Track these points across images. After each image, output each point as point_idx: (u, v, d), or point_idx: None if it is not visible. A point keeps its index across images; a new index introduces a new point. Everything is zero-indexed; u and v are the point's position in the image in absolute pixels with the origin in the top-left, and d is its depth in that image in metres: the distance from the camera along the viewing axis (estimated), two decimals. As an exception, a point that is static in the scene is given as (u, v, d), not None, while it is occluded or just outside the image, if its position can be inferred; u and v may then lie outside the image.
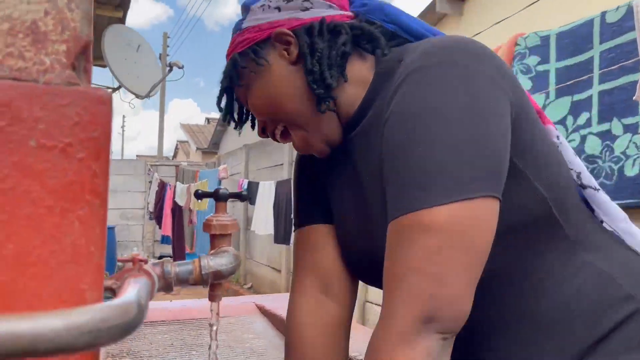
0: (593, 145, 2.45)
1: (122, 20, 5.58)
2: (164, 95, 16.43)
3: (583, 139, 2.51)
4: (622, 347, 0.69)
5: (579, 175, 0.80)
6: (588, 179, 0.80)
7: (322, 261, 0.89)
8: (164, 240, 8.02)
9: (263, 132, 0.85)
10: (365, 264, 0.83)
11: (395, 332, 0.61)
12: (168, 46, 16.80)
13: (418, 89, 0.66)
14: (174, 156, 23.24)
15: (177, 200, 7.04)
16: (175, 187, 7.30)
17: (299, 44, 0.77)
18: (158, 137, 16.17)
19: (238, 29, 0.82)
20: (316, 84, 0.76)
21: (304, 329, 0.88)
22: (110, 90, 5.50)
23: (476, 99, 0.64)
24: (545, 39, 2.81)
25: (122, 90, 5.38)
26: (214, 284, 0.68)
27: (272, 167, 6.75)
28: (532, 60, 2.84)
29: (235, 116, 0.89)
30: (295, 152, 5.81)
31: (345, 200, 0.85)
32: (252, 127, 0.90)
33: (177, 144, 23.89)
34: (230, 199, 0.63)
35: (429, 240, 0.61)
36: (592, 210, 0.81)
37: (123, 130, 34.45)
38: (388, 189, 0.67)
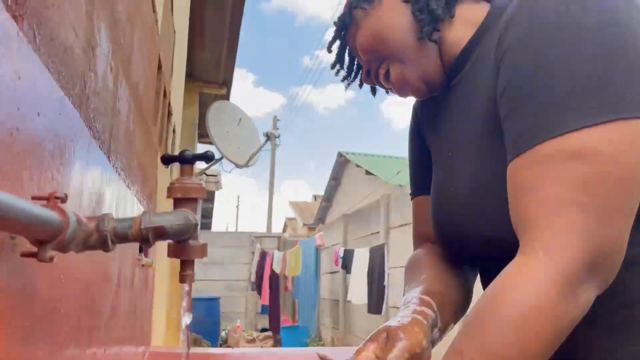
0: None
1: (226, 97, 6.00)
2: (273, 175, 17.20)
3: None
4: None
5: None
6: None
7: (429, 225, 0.88)
8: (264, 310, 8.03)
9: (368, 76, 0.85)
10: (450, 240, 0.81)
11: (563, 281, 0.52)
12: (277, 128, 17.77)
13: (540, 9, 0.59)
14: (283, 232, 23.86)
15: (274, 267, 7.10)
16: (273, 254, 7.40)
17: None
18: (267, 214, 16.77)
19: None
20: (420, 11, 0.76)
21: (425, 258, 0.87)
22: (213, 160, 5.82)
23: (615, 11, 0.55)
24: None
25: (223, 160, 5.68)
26: (185, 263, 0.62)
27: (368, 235, 6.64)
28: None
29: (345, 69, 0.92)
30: (391, 219, 5.70)
31: (440, 161, 0.84)
32: (360, 85, 0.92)
33: (285, 221, 24.56)
34: (196, 161, 0.58)
35: (581, 169, 0.52)
36: None
37: (237, 209, 36.21)
38: (510, 121, 0.60)
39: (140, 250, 1.48)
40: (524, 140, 0.57)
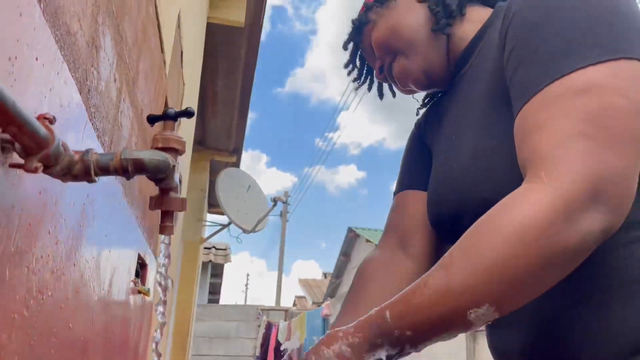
0: None
1: (236, 164, 6.13)
2: (283, 243, 17.10)
3: None
4: None
5: None
6: None
7: (403, 219, 0.93)
8: (269, 385, 7.73)
9: (381, 72, 0.92)
10: (447, 214, 0.81)
11: (562, 202, 0.52)
12: (289, 204, 17.88)
13: None
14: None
15: (279, 338, 6.92)
16: (279, 325, 7.24)
17: None
18: (276, 289, 16.51)
19: None
20: (436, 5, 0.84)
21: (371, 273, 0.90)
22: (221, 226, 5.87)
23: None
24: None
25: (231, 226, 5.72)
26: (165, 214, 0.66)
27: (377, 306, 6.50)
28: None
29: (356, 72, 1.01)
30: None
31: (441, 149, 0.87)
32: (369, 88, 1.01)
33: (294, 300, 24.10)
34: (178, 117, 0.63)
35: (589, 102, 0.54)
36: None
37: (247, 288, 35.64)
38: (517, 74, 0.63)
39: (137, 275, 1.50)
40: (533, 85, 0.59)
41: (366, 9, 0.92)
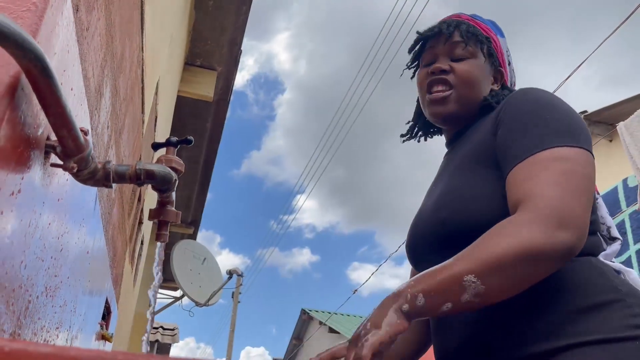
0: None
1: (193, 236, 6.14)
2: (232, 341, 16.53)
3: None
4: (610, 327, 0.74)
5: (608, 229, 0.97)
6: (615, 232, 0.97)
7: None
8: None
9: (441, 73, 1.05)
10: (420, 243, 0.97)
11: (543, 220, 0.73)
12: (241, 284, 17.52)
13: (526, 93, 0.92)
14: (239, 400, 22.05)
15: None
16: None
17: (500, 86, 1.10)
18: (223, 376, 15.73)
19: (484, 21, 1.11)
20: (493, 99, 1.04)
21: None
22: (173, 299, 5.77)
23: (570, 110, 0.89)
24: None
25: (183, 300, 5.64)
26: (161, 224, 0.78)
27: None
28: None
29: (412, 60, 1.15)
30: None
31: (427, 193, 1.06)
32: (412, 77, 1.15)
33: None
34: (179, 145, 0.77)
35: (563, 165, 0.79)
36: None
37: (191, 374, 33.70)
38: (514, 144, 0.85)
39: (103, 317, 1.55)
40: (526, 152, 0.83)
41: (458, 26, 1.07)
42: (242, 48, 3.78)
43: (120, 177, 0.69)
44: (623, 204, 2.60)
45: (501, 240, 0.73)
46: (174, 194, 0.75)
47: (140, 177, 0.69)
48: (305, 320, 14.46)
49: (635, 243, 2.47)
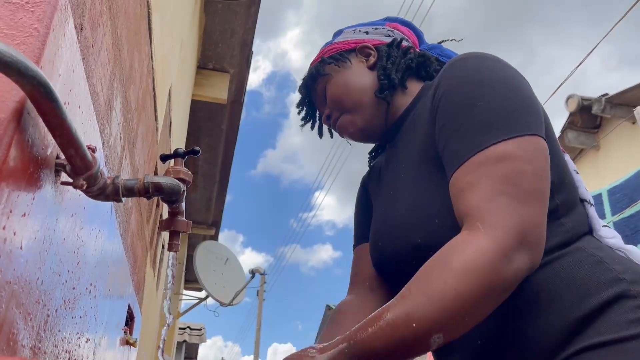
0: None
1: (215, 237, 6.20)
2: (259, 339, 16.69)
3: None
4: (612, 327, 0.69)
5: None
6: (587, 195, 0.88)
7: (367, 268, 1.04)
8: None
9: (328, 119, 1.06)
10: (387, 261, 0.93)
11: (499, 247, 0.66)
12: (266, 274, 17.67)
13: (463, 68, 0.83)
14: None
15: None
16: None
17: (378, 54, 1.03)
18: (251, 372, 15.84)
19: (328, 44, 1.09)
20: (384, 77, 1.00)
21: (345, 311, 1.01)
22: (198, 300, 5.84)
23: (515, 75, 0.81)
24: (597, 198, 2.84)
25: (207, 301, 5.71)
26: (173, 234, 0.80)
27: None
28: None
29: (308, 115, 1.14)
30: None
31: (381, 202, 1.01)
32: (312, 128, 1.15)
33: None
34: (187, 156, 0.78)
35: (507, 166, 0.70)
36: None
37: (221, 373, 34.11)
38: (448, 146, 0.79)
39: (127, 323, 1.58)
40: (460, 157, 0.75)
41: (322, 61, 1.05)
42: (253, 48, 3.80)
43: (129, 191, 0.70)
44: (645, 188, 2.56)
45: (459, 283, 0.66)
46: (183, 204, 0.76)
47: (148, 191, 0.70)
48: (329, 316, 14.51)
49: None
